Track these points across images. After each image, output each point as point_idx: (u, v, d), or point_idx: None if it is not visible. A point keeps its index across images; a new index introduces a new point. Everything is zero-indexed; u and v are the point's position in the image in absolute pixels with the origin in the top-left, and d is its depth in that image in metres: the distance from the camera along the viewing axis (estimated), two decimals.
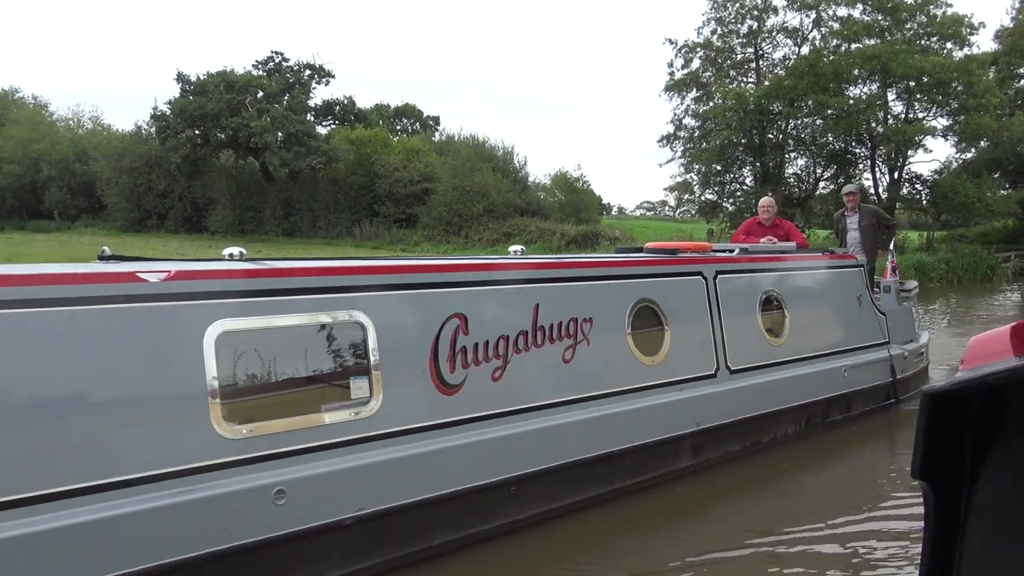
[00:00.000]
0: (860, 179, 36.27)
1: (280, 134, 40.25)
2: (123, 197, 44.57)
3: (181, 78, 41.44)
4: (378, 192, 39.24)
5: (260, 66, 44.09)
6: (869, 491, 6.22)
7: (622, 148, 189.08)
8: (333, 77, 46.19)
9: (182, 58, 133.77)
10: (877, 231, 9.84)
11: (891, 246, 10.14)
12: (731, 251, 7.50)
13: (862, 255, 9.44)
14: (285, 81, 43.18)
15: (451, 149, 41.02)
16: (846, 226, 10.03)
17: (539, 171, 54.45)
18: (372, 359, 4.57)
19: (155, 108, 41.97)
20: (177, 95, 41.18)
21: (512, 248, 6.07)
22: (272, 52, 44.49)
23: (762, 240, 8.60)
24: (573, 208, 37.52)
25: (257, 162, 42.91)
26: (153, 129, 42.67)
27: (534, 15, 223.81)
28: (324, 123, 47.87)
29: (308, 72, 45.14)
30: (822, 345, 7.75)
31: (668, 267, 6.57)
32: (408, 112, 60.64)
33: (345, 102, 49.30)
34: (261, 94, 41.76)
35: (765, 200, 9.32)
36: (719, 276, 6.83)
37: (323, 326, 4.49)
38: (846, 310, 8.22)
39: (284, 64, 44.59)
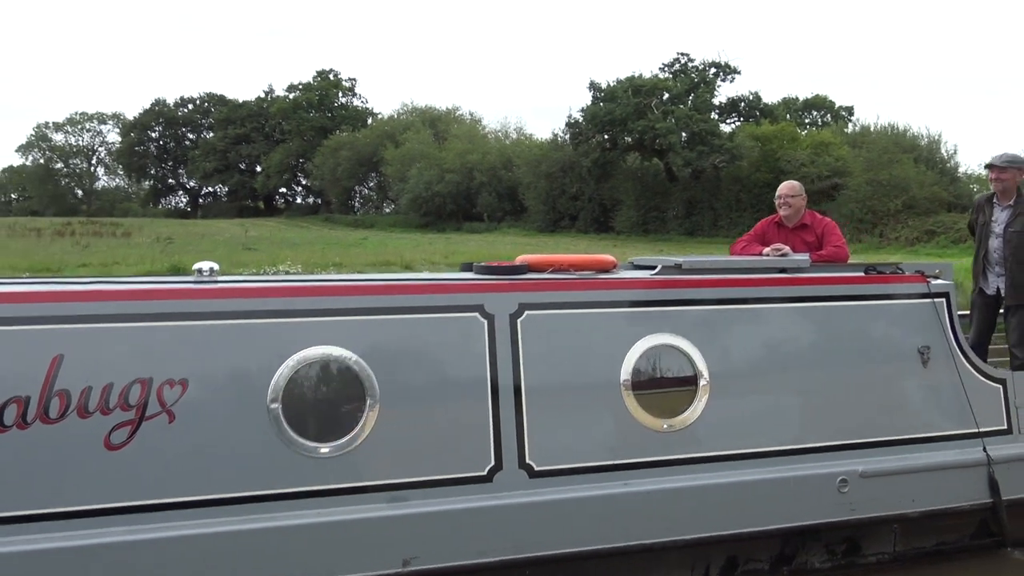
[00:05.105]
0: None
1: (684, 134, 40.65)
2: (540, 200, 48.26)
3: (593, 86, 43.76)
4: None
5: (666, 68, 45.14)
6: None
7: None
8: (739, 73, 45.70)
9: (594, 68, 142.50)
10: None
11: None
12: (653, 268, 4.83)
13: (996, 277, 6.04)
14: (690, 81, 43.64)
15: (865, 141, 38.11)
16: (988, 222, 6.12)
17: (972, 160, 48.08)
18: None
19: (569, 116, 44.74)
20: (589, 103, 43.66)
21: (198, 266, 4.12)
22: (678, 54, 45.34)
23: (765, 251, 5.49)
24: None
25: (661, 163, 43.82)
26: (567, 136, 45.67)
27: None
28: (728, 121, 47.43)
29: (713, 70, 45.10)
30: (790, 435, 4.60)
31: (398, 298, 4.19)
32: (818, 104, 57.83)
33: (750, 98, 48.34)
34: (666, 96, 42.60)
35: (784, 187, 6.12)
36: (527, 313, 4.26)
37: None
38: (878, 373, 4.86)
39: (690, 64, 45.08)
